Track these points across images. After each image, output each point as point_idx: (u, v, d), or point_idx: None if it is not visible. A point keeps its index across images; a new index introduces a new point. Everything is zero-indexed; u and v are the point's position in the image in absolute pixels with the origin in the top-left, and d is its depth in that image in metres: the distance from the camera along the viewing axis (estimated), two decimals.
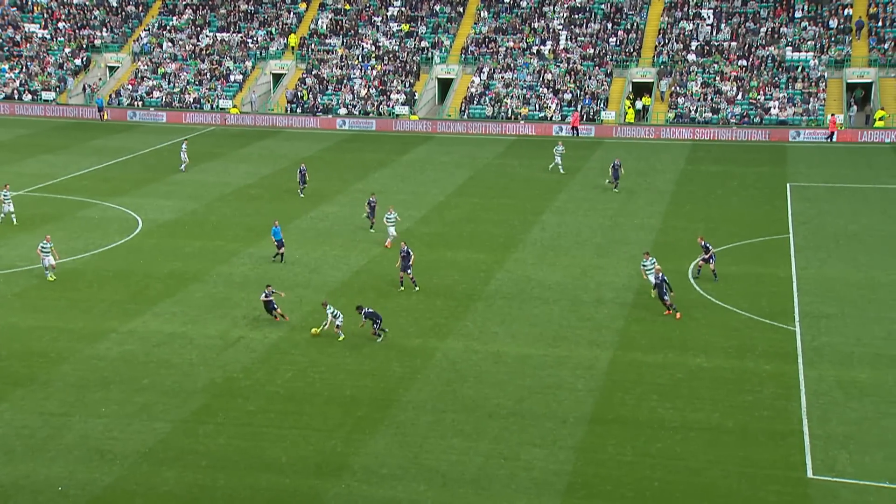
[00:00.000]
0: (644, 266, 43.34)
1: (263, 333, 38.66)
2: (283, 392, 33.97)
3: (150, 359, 36.67)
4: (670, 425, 31.54)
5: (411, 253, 44.21)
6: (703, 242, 45.53)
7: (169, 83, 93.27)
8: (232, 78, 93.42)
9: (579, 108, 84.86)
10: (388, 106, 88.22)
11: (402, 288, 44.23)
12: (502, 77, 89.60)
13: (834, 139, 78.47)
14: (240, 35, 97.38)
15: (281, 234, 48.23)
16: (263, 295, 39.70)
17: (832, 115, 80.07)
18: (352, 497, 27.51)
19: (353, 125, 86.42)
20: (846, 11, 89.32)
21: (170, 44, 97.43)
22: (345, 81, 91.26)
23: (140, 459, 29.52)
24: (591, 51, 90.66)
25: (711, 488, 27.97)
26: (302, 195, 61.20)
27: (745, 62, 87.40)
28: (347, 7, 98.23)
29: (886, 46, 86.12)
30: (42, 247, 44.73)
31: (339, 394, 33.79)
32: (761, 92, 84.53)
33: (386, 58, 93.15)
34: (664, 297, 40.42)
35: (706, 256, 45.02)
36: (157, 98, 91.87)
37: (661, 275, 40.76)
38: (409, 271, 44.02)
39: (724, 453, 29.81)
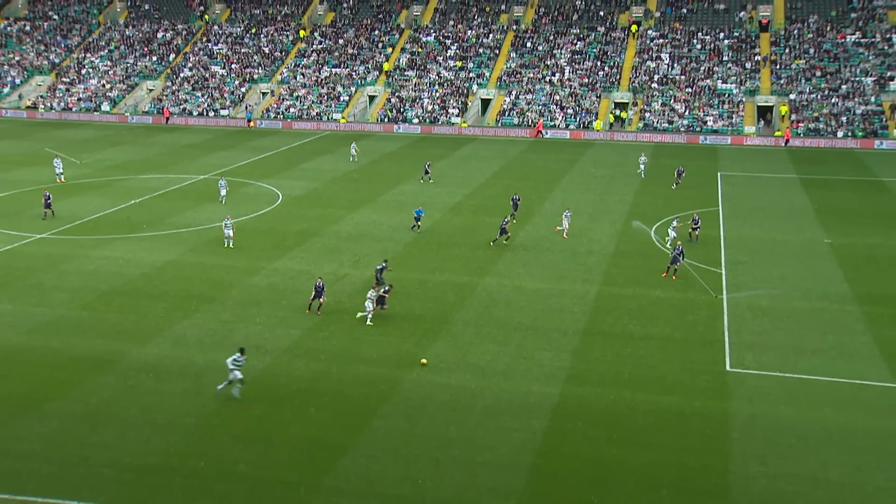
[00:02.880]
0: (673, 225, 42.86)
1: (361, 272, 38.75)
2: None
3: (287, 287, 36.94)
4: (637, 336, 31.37)
5: (507, 223, 43.28)
6: (695, 216, 44.16)
7: (300, 102, 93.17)
8: (341, 98, 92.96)
9: (542, 119, 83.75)
10: (447, 117, 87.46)
11: (494, 244, 43.03)
12: (525, 98, 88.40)
13: (787, 144, 76.51)
14: (347, 69, 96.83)
15: (423, 212, 46.53)
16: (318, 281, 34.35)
17: (787, 127, 77.96)
18: (420, 382, 27.64)
19: (406, 129, 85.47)
20: (756, 57, 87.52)
21: (301, 76, 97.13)
22: (417, 100, 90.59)
23: (282, 353, 29.89)
24: (586, 80, 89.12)
25: (663, 378, 27.85)
26: (422, 181, 59.43)
27: (690, 90, 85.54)
28: (419, 50, 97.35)
29: (782, 81, 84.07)
30: (225, 223, 43.73)
31: (411, 312, 33.86)
32: (701, 110, 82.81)
33: (445, 84, 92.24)
34: (677, 262, 37.63)
35: (696, 226, 43.55)
36: (293, 113, 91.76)
37: (679, 246, 38.10)
38: (504, 235, 42.84)
39: (672, 355, 29.63)
